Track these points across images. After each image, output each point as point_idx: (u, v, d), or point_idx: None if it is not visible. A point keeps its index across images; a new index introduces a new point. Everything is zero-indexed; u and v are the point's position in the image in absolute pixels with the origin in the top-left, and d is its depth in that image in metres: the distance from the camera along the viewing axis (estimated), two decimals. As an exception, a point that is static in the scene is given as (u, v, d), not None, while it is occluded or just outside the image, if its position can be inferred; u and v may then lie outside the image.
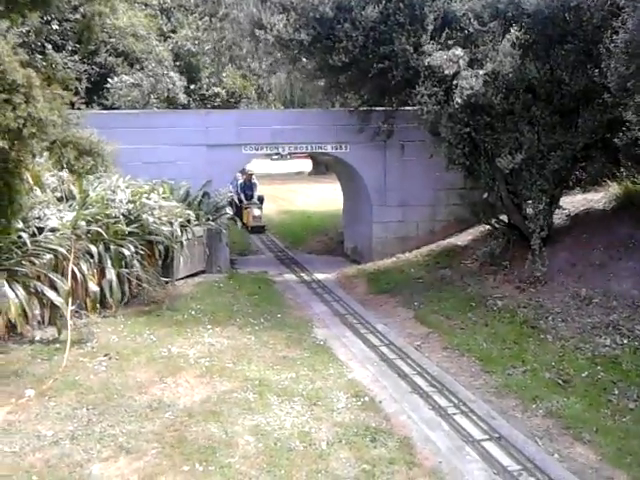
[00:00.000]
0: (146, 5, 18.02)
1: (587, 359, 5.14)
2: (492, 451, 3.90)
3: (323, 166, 21.75)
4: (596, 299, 6.05)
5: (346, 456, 3.88)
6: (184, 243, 8.27)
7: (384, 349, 5.97)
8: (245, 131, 9.90)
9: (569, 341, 5.53)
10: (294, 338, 6.20)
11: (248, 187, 15.30)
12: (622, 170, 7.86)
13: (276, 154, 20.11)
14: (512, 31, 6.91)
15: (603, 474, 3.58)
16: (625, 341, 5.24)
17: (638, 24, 4.70)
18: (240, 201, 14.55)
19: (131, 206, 7.66)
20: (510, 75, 6.97)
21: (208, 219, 9.20)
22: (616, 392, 4.55)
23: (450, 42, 7.76)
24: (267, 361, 5.54)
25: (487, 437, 4.10)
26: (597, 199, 8.26)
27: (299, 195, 19.05)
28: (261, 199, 15.29)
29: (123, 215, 7.41)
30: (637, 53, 4.90)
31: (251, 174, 15.41)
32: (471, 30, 7.51)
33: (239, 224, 11.12)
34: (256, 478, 3.66)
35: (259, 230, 14.11)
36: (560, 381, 4.85)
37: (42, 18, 13.47)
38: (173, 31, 19.27)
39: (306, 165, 28.10)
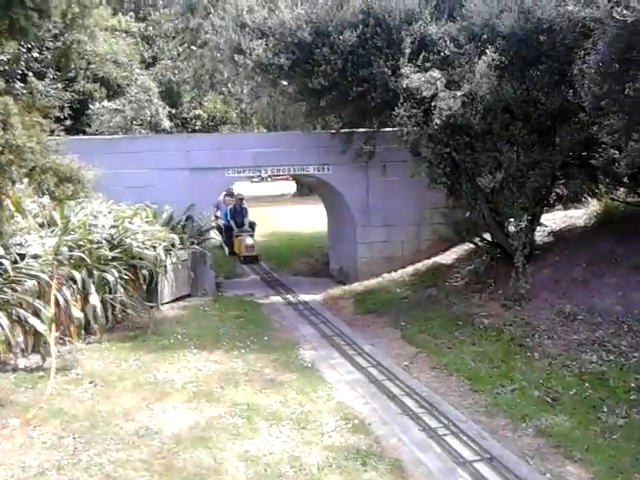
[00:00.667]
0: (127, 32, 18.07)
1: (574, 376, 5.17)
2: (484, 472, 3.89)
3: (307, 188, 21.80)
4: (580, 315, 6.10)
5: (337, 480, 3.84)
6: (168, 267, 8.22)
7: (372, 370, 5.95)
8: (227, 154, 9.93)
9: (556, 358, 5.56)
10: (281, 361, 6.15)
11: (238, 213, 13.95)
12: (601, 187, 8.02)
13: (257, 176, 19.90)
14: (488, 53, 7.05)
15: (594, 492, 3.59)
16: (611, 357, 5.28)
17: (608, 45, 4.82)
18: (230, 228, 13.38)
19: (114, 231, 7.61)
20: (487, 96, 7.10)
21: (192, 242, 9.16)
22: (605, 409, 4.57)
23: (427, 64, 7.89)
24: (255, 385, 5.49)
25: (478, 458, 4.08)
26: (578, 216, 8.40)
27: (283, 217, 19.05)
28: (252, 225, 14.11)
29: (106, 240, 7.36)
30: (609, 73, 5.02)
31: (241, 198, 14.18)
32: (447, 52, 7.64)
33: (227, 251, 10.65)
34: (246, 505, 3.61)
35: (252, 260, 12.80)
36: (549, 399, 4.86)
37: (22, 46, 13.47)
38: (154, 57, 19.35)
39: (290, 187, 28.17)
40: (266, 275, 11.73)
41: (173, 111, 16.90)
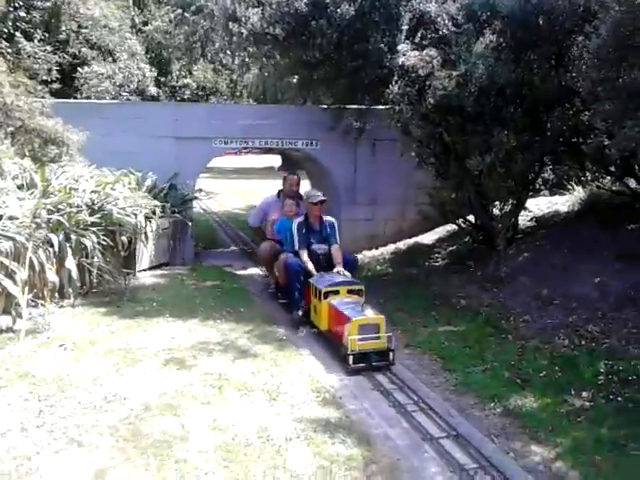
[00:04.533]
0: (119, -5, 17.74)
1: (546, 359, 5.19)
2: (449, 448, 3.90)
3: (292, 162, 21.70)
4: (557, 300, 6.13)
5: (304, 452, 3.84)
6: (148, 235, 8.13)
7: (347, 346, 5.93)
8: (215, 125, 9.79)
9: (529, 341, 5.58)
10: (256, 333, 6.12)
11: (315, 232, 6.93)
12: (587, 174, 8.01)
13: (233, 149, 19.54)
14: (486, 34, 6.96)
15: (557, 472, 3.60)
16: (583, 342, 5.31)
17: (611, 29, 4.75)
18: (297, 268, 6.55)
19: (95, 196, 7.48)
20: (483, 77, 7.02)
21: (174, 211, 9.07)
22: (572, 392, 4.60)
23: (424, 42, 7.78)
24: (228, 355, 5.46)
25: (445, 435, 4.09)
26: (562, 202, 8.40)
27: (266, 190, 18.95)
28: (354, 264, 7.08)
29: (86, 205, 7.23)
30: (609, 58, 4.96)
31: (322, 201, 6.99)
32: (445, 31, 7.53)
33: (297, 314, 6.51)
34: (212, 473, 3.59)
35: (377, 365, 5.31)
36: (519, 380, 4.88)
37: (9, 3, 13.16)
38: (145, 23, 19.00)
39: (275, 160, 27.99)
40: (246, 247, 11.67)
41: (162, 79, 16.66)
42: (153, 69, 15.71)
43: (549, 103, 7.05)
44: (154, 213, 8.24)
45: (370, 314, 5.37)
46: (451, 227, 8.99)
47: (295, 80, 11.12)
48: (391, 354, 5.28)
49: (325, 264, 6.66)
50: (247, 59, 11.12)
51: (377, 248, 9.67)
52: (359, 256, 9.42)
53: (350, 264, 6.74)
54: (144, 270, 8.28)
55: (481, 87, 7.06)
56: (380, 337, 5.26)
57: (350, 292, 5.93)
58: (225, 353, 5.51)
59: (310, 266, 6.54)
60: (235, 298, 7.46)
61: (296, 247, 6.76)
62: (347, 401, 4.64)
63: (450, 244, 8.55)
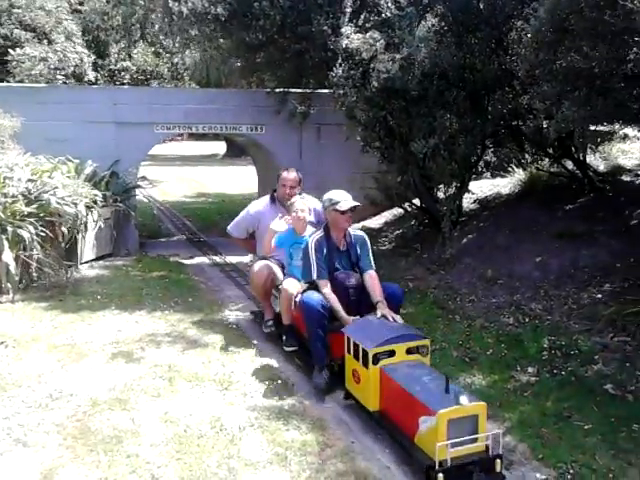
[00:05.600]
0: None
1: (492, 337, 5.34)
2: (402, 429, 3.95)
3: (238, 148, 21.43)
4: (501, 280, 6.30)
5: (258, 440, 3.82)
6: (90, 225, 7.88)
7: (298, 331, 5.93)
8: (157, 110, 9.54)
9: (475, 321, 5.72)
10: (206, 322, 6.05)
11: (342, 253, 4.76)
12: (527, 156, 8.23)
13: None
14: (428, 17, 7.00)
15: (506, 446, 3.71)
16: (527, 320, 5.48)
17: (548, 13, 4.84)
18: (320, 315, 4.41)
19: (31, 185, 7.19)
20: (425, 61, 7.07)
21: (116, 200, 8.82)
22: (518, 369, 4.75)
23: (368, 25, 7.78)
24: (177, 346, 5.37)
25: (398, 416, 4.13)
26: (504, 184, 8.61)
27: (212, 178, 18.69)
28: (399, 296, 4.78)
29: (22, 195, 6.95)
30: (546, 41, 5.06)
31: (353, 208, 4.74)
32: (388, 14, 7.55)
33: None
34: (165, 466, 3.53)
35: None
36: (467, 359, 5.00)
37: None
38: (81, 3, 18.26)
39: (221, 147, 27.62)
40: (192, 236, 11.49)
41: (100, 62, 16.09)
42: (90, 52, 15.14)
43: (490, 86, 7.17)
44: (95, 202, 7.99)
45: (464, 400, 3.24)
46: (397, 211, 9.09)
47: (239, 63, 10.94)
48: (498, 463, 3.21)
49: (356, 299, 4.56)
50: (188, 41, 10.83)
51: (325, 233, 9.67)
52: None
53: (396, 298, 4.61)
54: (87, 262, 8.03)
55: (424, 71, 7.12)
56: (479, 437, 3.27)
57: (410, 351, 3.92)
58: (174, 344, 5.42)
59: (338, 306, 4.41)
60: (183, 288, 7.34)
61: (314, 275, 4.54)
62: (301, 388, 4.64)
63: (397, 228, 8.65)
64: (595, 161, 8.22)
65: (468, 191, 8.22)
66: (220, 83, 17.40)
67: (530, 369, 4.71)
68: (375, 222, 9.44)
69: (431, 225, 7.97)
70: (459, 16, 6.94)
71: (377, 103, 7.45)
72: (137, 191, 10.07)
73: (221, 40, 9.73)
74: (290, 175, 5.78)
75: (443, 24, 7.01)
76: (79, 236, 7.64)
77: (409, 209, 8.57)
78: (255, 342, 5.57)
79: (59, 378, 4.62)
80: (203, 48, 11.21)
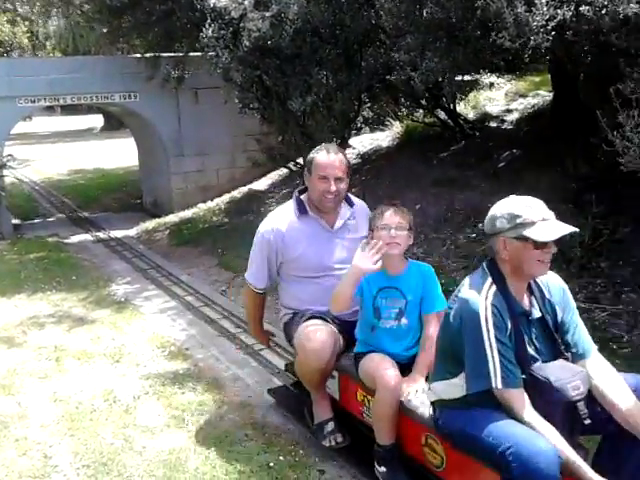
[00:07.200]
0: None
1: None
2: (297, 378, 4.06)
3: (115, 121, 20.49)
4: (384, 229, 6.53)
5: (154, 407, 3.78)
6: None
7: (189, 298, 5.89)
8: (18, 82, 8.89)
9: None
10: (92, 299, 5.85)
11: (525, 321, 2.20)
12: (403, 110, 8.51)
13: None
14: (292, -27, 6.94)
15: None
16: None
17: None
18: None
19: None
20: (297, 18, 7.04)
21: (-20, 181, 8.20)
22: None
23: (234, -17, 7.59)
24: (62, 326, 5.16)
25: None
26: (383, 138, 8.86)
27: (90, 153, 17.79)
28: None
29: None
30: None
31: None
32: (254, -30, 7.40)
33: None
34: (57, 444, 3.41)
35: None
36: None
37: None
38: None
39: (97, 121, 26.26)
40: (73, 214, 10.95)
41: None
42: None
43: (361, 42, 7.29)
44: (-44, 184, 7.39)
45: None
46: (283, 171, 9.12)
47: (105, 30, 10.36)
48: None
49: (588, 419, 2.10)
50: (48, 6, 10.10)
51: (212, 200, 9.56)
52: (195, 209, 9.25)
53: None
54: (-47, 249, 7.47)
55: (296, 28, 7.09)
56: None
57: None
58: (59, 324, 5.20)
59: (587, 467, 1.99)
60: (65, 267, 7.02)
61: (496, 382, 2.09)
62: (194, 351, 4.63)
63: (283, 187, 8.70)
64: (465, 110, 8.63)
65: (349, 146, 8.38)
66: (89, 52, 16.44)
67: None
68: (262, 184, 9.44)
69: (316, 182, 8.07)
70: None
71: (251, 63, 7.35)
72: (7, 172, 9.39)
73: (85, 6, 9.18)
74: (332, 158, 3.11)
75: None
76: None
77: (294, 168, 8.61)
78: (145, 312, 5.43)
79: None
80: (64, 14, 10.52)
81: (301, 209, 3.21)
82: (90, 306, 5.63)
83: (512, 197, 2.22)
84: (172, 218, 9.08)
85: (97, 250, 8.10)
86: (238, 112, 8.21)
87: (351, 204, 3.32)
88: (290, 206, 3.26)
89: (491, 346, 2.07)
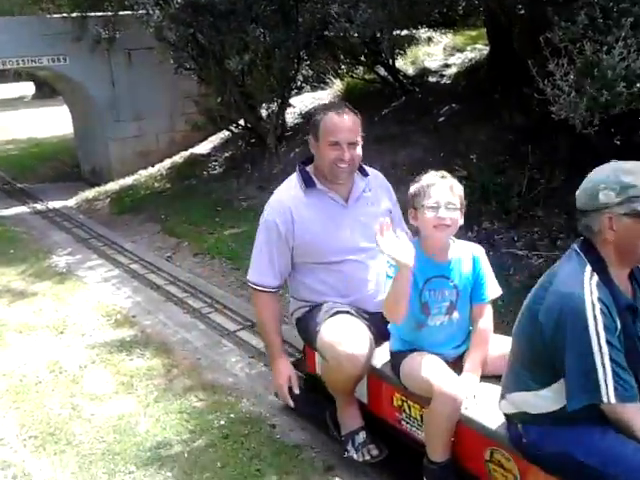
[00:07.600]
0: None
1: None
2: (246, 338, 4.08)
3: (48, 87, 19.59)
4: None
5: (102, 374, 3.74)
6: None
7: (134, 266, 5.79)
8: None
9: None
10: (32, 271, 5.67)
11: (630, 314, 1.79)
12: (343, 67, 8.44)
13: None
14: None
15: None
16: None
17: None
18: None
19: None
20: (228, -28, 6.83)
21: None
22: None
23: None
24: (2, 300, 5.00)
25: (241, 327, 4.27)
26: (324, 96, 8.78)
27: (22, 122, 17.02)
28: None
29: None
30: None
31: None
32: None
33: None
34: (2, 417, 3.34)
35: None
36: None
37: None
38: None
39: (28, 88, 25.07)
40: (6, 186, 10.51)
41: None
42: None
43: (297, -4, 7.15)
44: None
45: None
46: (224, 133, 8.96)
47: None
48: None
49: None
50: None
51: (153, 165, 9.32)
52: (135, 176, 9.01)
53: None
54: None
55: (228, -17, 6.89)
56: None
57: None
58: (-3, 300, 5.03)
59: None
60: (1, 241, 6.78)
61: (607, 397, 1.68)
62: (141, 318, 4.58)
63: (225, 150, 8.56)
64: (404, 66, 8.62)
65: (290, 105, 8.29)
66: (10, 12, 15.51)
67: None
68: (203, 147, 9.25)
69: (258, 144, 7.98)
70: None
71: (184, 20, 7.12)
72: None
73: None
74: (344, 119, 2.62)
75: None
76: None
77: (235, 130, 8.48)
78: (88, 282, 5.31)
79: None
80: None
81: (308, 182, 2.71)
82: (30, 279, 5.47)
83: (614, 162, 1.77)
84: (112, 186, 8.82)
85: (35, 222, 7.82)
86: (174, 73, 7.99)
87: (365, 173, 2.80)
88: (293, 181, 2.78)
89: (601, 351, 1.68)
